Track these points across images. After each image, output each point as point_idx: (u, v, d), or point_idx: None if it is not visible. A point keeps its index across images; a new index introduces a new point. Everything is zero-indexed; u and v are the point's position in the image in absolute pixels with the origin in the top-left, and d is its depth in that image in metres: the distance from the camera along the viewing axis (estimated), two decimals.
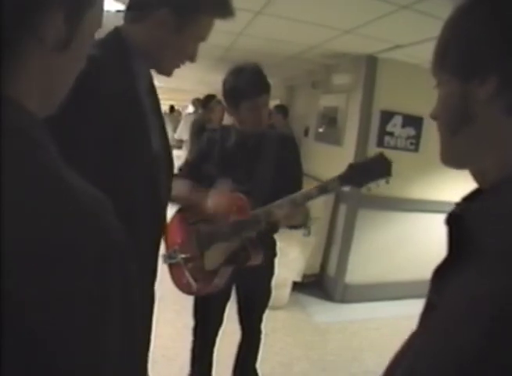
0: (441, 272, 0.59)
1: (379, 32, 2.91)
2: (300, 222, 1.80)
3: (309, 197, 1.61)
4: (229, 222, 1.77)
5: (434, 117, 0.65)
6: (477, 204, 0.56)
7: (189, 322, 2.21)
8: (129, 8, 1.16)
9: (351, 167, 1.53)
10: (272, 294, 2.13)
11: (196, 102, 7.16)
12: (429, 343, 0.50)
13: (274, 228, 1.83)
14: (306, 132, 5.17)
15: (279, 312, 3.57)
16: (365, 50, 3.59)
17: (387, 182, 1.50)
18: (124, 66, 1.12)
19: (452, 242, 0.58)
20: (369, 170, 1.49)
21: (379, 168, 1.49)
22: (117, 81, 1.06)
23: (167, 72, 1.25)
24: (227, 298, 2.07)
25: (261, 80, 1.81)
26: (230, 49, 4.25)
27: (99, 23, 0.62)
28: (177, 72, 1.30)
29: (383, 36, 3.02)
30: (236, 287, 2.05)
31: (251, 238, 1.79)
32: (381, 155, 1.49)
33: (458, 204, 0.58)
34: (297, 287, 3.96)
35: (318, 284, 4.30)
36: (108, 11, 3.05)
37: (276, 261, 2.08)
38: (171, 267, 1.91)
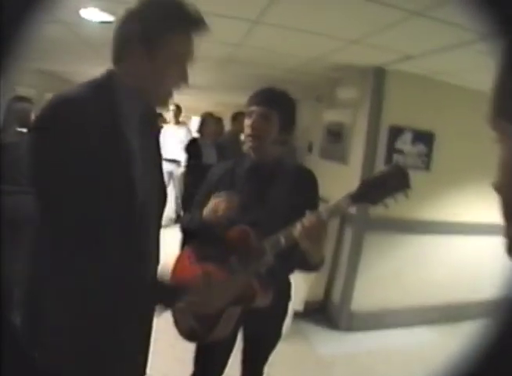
0: None
1: (388, 42, 2.69)
2: (317, 252, 1.55)
3: (319, 219, 1.41)
4: (233, 256, 1.60)
5: (498, 187, 0.44)
6: None
7: (181, 354, 1.99)
8: (113, 50, 1.20)
9: (363, 183, 1.37)
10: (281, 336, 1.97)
11: (176, 109, 6.47)
12: None
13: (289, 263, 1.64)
14: (310, 148, 4.96)
15: (279, 344, 3.30)
16: (372, 62, 3.38)
17: (407, 196, 1.32)
18: (108, 107, 1.14)
19: None
20: (383, 184, 1.32)
21: (395, 181, 1.32)
22: (98, 123, 1.08)
23: (161, 102, 1.28)
24: (232, 344, 1.90)
25: (266, 93, 1.74)
26: (229, 62, 4.05)
27: None
28: None
29: (392, 46, 2.80)
30: (243, 328, 1.88)
31: (259, 274, 1.59)
32: (396, 166, 1.34)
33: None
34: (298, 314, 3.70)
35: (321, 312, 4.06)
36: (90, 21, 2.91)
37: (290, 305, 1.92)
38: (173, 312, 1.77)
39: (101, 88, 1.16)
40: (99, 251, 1.11)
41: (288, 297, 1.90)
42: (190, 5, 1.18)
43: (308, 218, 1.41)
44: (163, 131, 5.95)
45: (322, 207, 1.44)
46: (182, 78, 1.23)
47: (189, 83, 1.25)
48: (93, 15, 2.82)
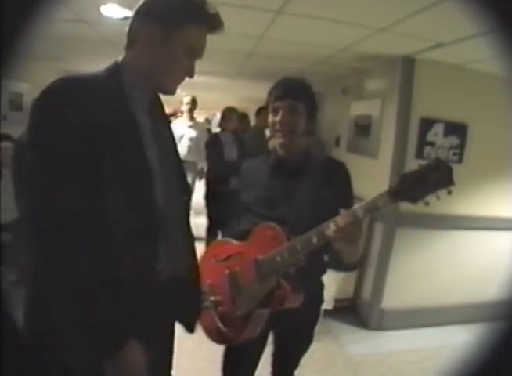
0: None
1: (419, 29, 2.56)
2: (354, 252, 1.47)
3: (355, 218, 1.31)
4: (261, 256, 1.54)
5: None
6: None
7: (209, 354, 1.96)
8: (128, 32, 1.20)
9: (402, 178, 1.26)
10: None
11: (192, 102, 5.52)
12: None
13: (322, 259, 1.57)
14: (337, 142, 4.85)
15: None
16: (401, 50, 3.25)
17: (450, 193, 1.21)
18: (115, 88, 1.14)
19: None
20: (424, 180, 1.21)
21: (437, 176, 1.21)
22: (105, 100, 1.08)
23: (168, 90, 1.25)
24: (263, 348, 1.84)
25: (289, 84, 1.67)
26: (252, 55, 3.98)
27: None
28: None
29: (423, 33, 2.67)
30: (273, 332, 1.83)
31: (289, 275, 1.51)
32: (438, 160, 1.23)
33: None
34: (327, 312, 3.60)
35: (351, 310, 3.97)
36: (111, 18, 2.88)
37: (323, 307, 1.84)
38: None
39: (108, 72, 1.17)
40: (112, 241, 1.08)
41: (321, 299, 1.82)
42: (211, 4, 1.20)
43: (343, 218, 1.32)
44: (173, 126, 5.24)
45: (357, 205, 1.34)
46: (188, 71, 1.24)
47: (193, 76, 1.26)
48: (114, 12, 2.79)
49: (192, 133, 5.43)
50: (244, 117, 6.01)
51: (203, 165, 5.38)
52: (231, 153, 4.78)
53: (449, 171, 1.20)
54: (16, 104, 4.91)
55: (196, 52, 1.23)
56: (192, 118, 5.61)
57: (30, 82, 4.96)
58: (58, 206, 1.00)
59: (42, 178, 1.01)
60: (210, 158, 4.80)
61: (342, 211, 1.34)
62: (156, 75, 1.20)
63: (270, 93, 1.69)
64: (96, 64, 1.20)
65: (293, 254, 1.45)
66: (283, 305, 1.52)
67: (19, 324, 1.11)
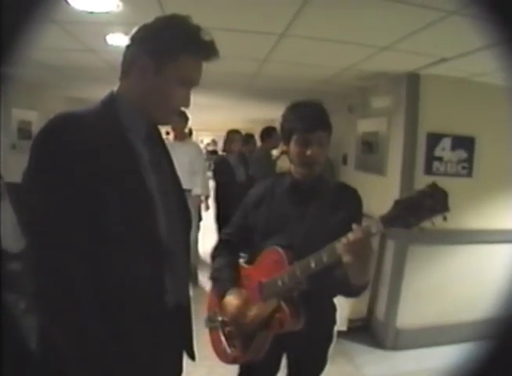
0: None
1: (422, 45, 2.58)
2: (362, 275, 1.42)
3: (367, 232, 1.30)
4: (264, 279, 1.59)
5: None
6: None
7: None
8: (122, 63, 1.20)
9: (396, 204, 1.23)
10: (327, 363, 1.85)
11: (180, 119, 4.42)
12: None
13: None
14: (344, 160, 4.84)
15: None
16: (405, 67, 3.26)
17: (445, 219, 1.18)
18: (112, 120, 1.14)
19: None
20: (419, 206, 1.18)
21: (432, 203, 1.18)
22: (104, 134, 1.08)
23: (162, 121, 1.27)
24: (276, 371, 1.83)
25: (315, 115, 1.63)
26: (256, 77, 4.01)
27: None
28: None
29: (426, 49, 2.68)
30: (287, 355, 1.81)
31: (291, 298, 1.53)
32: (433, 186, 1.20)
33: None
34: (341, 333, 3.53)
35: (365, 330, 3.89)
36: (117, 46, 2.92)
37: (335, 329, 1.82)
38: (210, 331, 1.80)
39: (103, 104, 1.16)
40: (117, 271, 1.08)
41: (333, 321, 1.80)
42: (206, 31, 1.18)
43: (355, 232, 1.29)
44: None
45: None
46: (183, 101, 1.22)
47: (189, 106, 1.24)
48: (119, 40, 2.83)
49: (183, 157, 4.29)
50: (250, 137, 6.02)
51: (198, 192, 4.73)
52: (239, 174, 4.78)
53: (445, 196, 1.18)
54: (25, 132, 4.96)
55: (192, 81, 1.21)
56: (181, 138, 4.68)
57: (39, 110, 5.03)
58: (60, 244, 1.00)
59: (43, 217, 1.00)
60: (220, 181, 4.76)
61: (355, 226, 1.31)
62: (151, 107, 1.18)
63: (295, 122, 1.63)
64: (103, 92, 1.21)
65: (293, 279, 1.47)
66: (282, 328, 1.53)
67: (32, 350, 1.12)
